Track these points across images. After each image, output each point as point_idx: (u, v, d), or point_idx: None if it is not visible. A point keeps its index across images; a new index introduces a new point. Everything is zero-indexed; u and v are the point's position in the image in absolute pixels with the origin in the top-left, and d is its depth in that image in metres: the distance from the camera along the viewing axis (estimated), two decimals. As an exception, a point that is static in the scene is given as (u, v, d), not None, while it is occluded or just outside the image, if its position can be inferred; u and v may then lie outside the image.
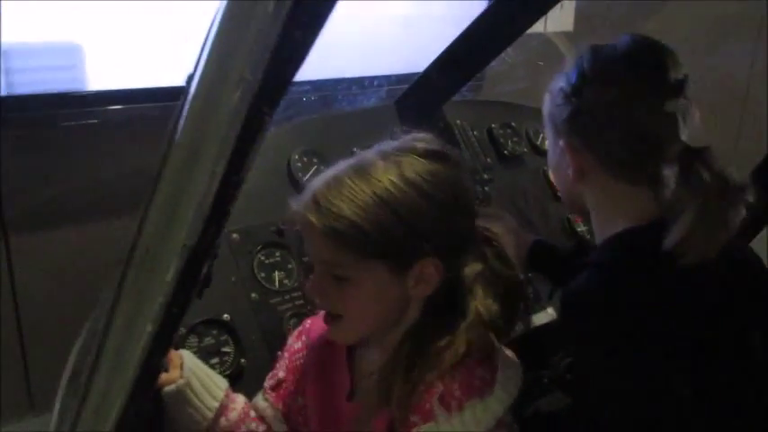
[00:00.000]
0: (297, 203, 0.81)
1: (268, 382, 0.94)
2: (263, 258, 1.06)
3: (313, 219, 0.78)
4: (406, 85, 1.43)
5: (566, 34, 2.12)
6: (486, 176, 1.44)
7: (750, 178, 0.89)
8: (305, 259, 1.08)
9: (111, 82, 1.34)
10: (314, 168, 1.21)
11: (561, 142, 0.92)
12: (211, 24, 0.40)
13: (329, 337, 0.87)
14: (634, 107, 0.87)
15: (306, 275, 1.05)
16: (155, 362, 0.51)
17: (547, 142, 0.99)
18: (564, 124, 0.92)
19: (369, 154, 0.83)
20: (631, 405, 0.84)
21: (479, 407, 0.79)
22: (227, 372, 0.93)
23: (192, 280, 0.47)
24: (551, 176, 0.98)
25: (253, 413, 0.92)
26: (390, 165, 0.80)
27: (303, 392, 0.92)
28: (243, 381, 0.94)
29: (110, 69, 1.33)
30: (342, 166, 0.82)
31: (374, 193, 0.78)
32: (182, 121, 0.42)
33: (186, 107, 0.41)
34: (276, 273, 1.06)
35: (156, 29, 1.33)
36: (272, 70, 0.37)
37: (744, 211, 0.84)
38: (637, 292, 0.84)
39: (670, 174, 0.84)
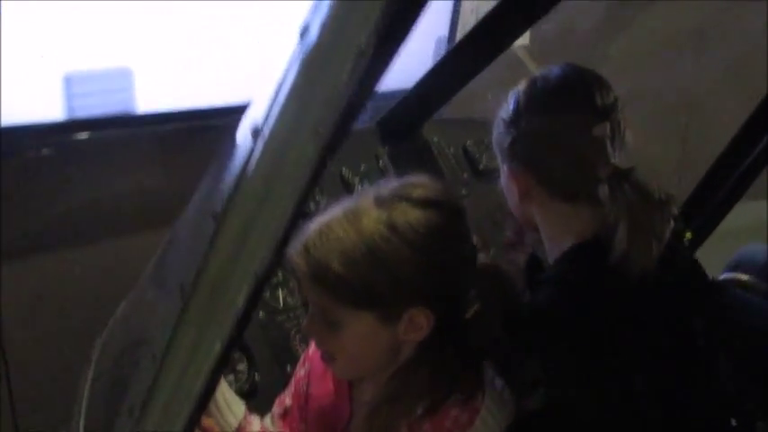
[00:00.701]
0: (290, 246, 0.80)
1: (276, 409, 0.96)
2: (266, 278, 1.12)
3: (303, 266, 0.80)
4: (385, 103, 1.51)
5: (535, 47, 2.23)
6: (463, 192, 1.53)
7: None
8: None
9: (160, 102, 1.43)
10: (306, 191, 1.28)
11: (505, 167, 1.02)
12: (281, 83, 0.47)
13: (336, 374, 0.90)
14: (565, 134, 0.96)
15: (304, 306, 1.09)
16: (216, 377, 0.57)
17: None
18: (507, 151, 1.00)
19: (365, 199, 0.83)
20: (595, 404, 0.91)
21: None
22: (244, 387, 0.99)
23: (255, 302, 0.53)
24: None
25: None
26: (383, 213, 0.79)
27: (306, 419, 0.94)
28: (258, 396, 1.00)
29: (158, 90, 1.42)
30: (336, 210, 0.82)
31: (363, 243, 0.78)
32: (252, 164, 0.49)
33: (258, 153, 0.48)
34: (280, 291, 1.12)
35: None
36: (339, 125, 0.44)
37: (672, 223, 0.94)
38: (590, 304, 0.91)
39: (603, 193, 0.93)
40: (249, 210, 0.49)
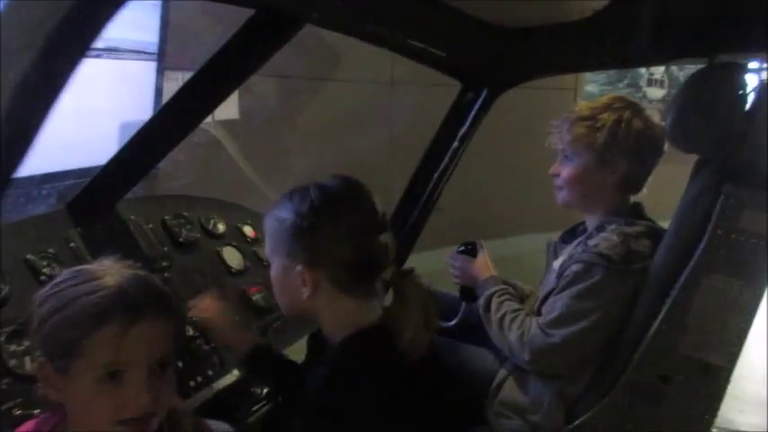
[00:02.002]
0: (130, 308, 0.88)
1: None
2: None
3: (173, 319, 0.93)
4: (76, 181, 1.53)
5: (232, 122, 2.42)
6: (164, 264, 1.59)
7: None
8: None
9: None
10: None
11: (299, 267, 1.10)
12: None
13: None
14: (358, 240, 1.10)
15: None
16: None
17: (273, 266, 1.17)
18: (300, 251, 1.10)
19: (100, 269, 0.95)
20: None
21: None
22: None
23: None
24: (275, 292, 1.19)
25: None
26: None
27: None
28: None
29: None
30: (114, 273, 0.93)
31: None
32: None
33: None
34: None
35: None
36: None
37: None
38: (367, 386, 1.06)
39: (387, 291, 1.10)
40: None
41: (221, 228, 1.81)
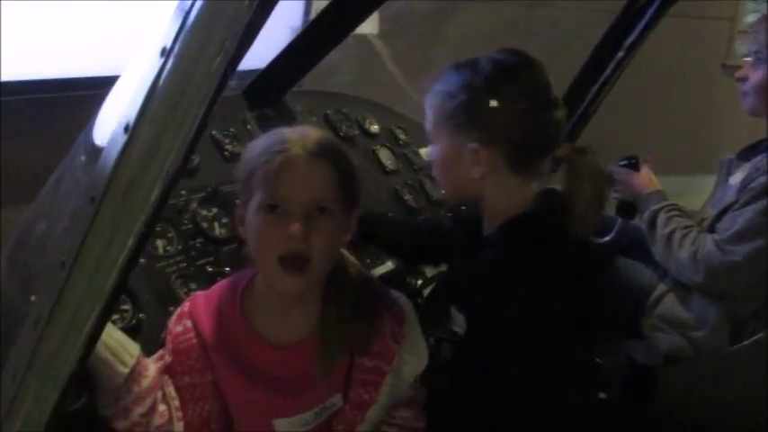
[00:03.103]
0: (294, 148, 0.95)
1: (157, 363, 0.98)
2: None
3: (336, 167, 0.97)
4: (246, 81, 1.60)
5: (386, 32, 2.42)
6: (326, 155, 1.65)
7: None
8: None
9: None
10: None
11: (472, 145, 1.04)
12: (187, 13, 0.57)
13: (296, 290, 0.97)
14: (536, 115, 1.03)
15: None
16: (127, 275, 0.65)
17: (437, 146, 1.11)
18: (473, 128, 1.04)
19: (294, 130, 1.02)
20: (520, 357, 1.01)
21: None
22: (129, 324, 1.04)
23: (165, 200, 0.62)
24: (438, 174, 1.13)
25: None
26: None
27: (210, 368, 1.00)
28: (143, 332, 1.06)
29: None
30: (297, 132, 1.00)
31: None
32: (164, 78, 0.58)
33: (169, 68, 0.58)
34: (158, 241, 1.18)
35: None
36: (242, 42, 0.56)
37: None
38: (536, 266, 1.02)
39: (564, 169, 1.06)
40: (161, 118, 0.59)
41: (376, 128, 1.83)
